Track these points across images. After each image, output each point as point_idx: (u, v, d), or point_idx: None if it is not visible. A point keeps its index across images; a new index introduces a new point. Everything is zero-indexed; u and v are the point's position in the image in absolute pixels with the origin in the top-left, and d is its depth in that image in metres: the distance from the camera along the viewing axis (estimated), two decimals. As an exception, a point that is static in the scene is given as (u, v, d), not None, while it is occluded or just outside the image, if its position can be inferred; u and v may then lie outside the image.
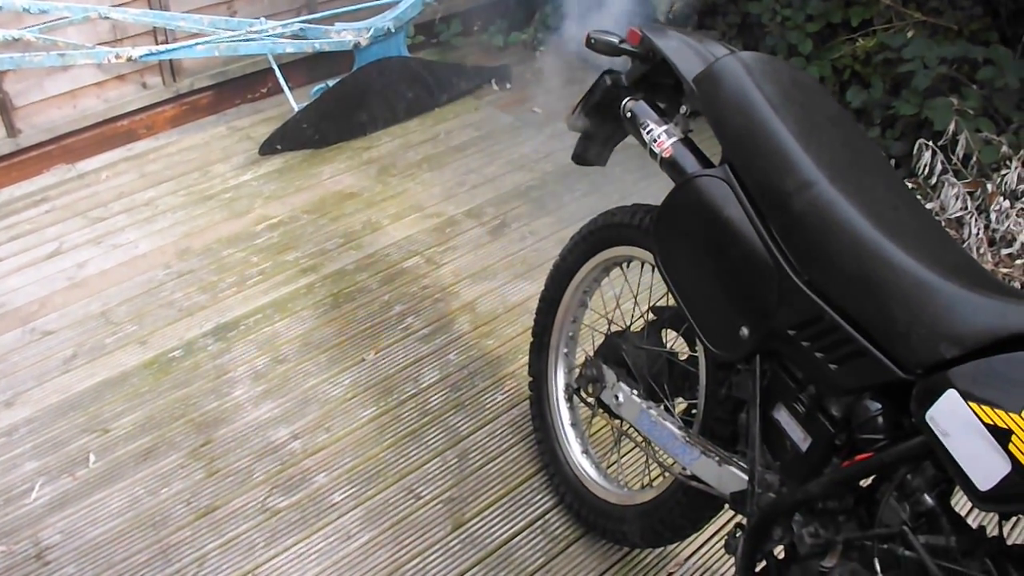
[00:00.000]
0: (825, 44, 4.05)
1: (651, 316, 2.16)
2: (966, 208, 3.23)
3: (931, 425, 1.18)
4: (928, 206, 3.28)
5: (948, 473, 1.20)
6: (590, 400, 2.24)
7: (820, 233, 1.41)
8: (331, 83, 4.45)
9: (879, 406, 1.35)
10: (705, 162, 1.77)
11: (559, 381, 2.46)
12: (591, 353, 2.28)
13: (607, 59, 2.00)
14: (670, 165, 1.81)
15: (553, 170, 4.08)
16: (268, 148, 4.29)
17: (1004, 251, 3.15)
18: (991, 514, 1.66)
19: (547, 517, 2.43)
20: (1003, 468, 1.10)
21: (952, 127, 3.34)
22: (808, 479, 1.49)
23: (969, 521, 1.33)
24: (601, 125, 2.12)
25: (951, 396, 1.16)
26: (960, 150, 3.34)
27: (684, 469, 1.87)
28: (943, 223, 3.22)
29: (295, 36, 4.31)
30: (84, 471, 2.61)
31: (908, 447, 1.27)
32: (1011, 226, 3.15)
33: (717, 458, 1.75)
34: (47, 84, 4.15)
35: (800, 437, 1.52)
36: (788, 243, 1.48)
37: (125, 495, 2.53)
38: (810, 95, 1.72)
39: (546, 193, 3.91)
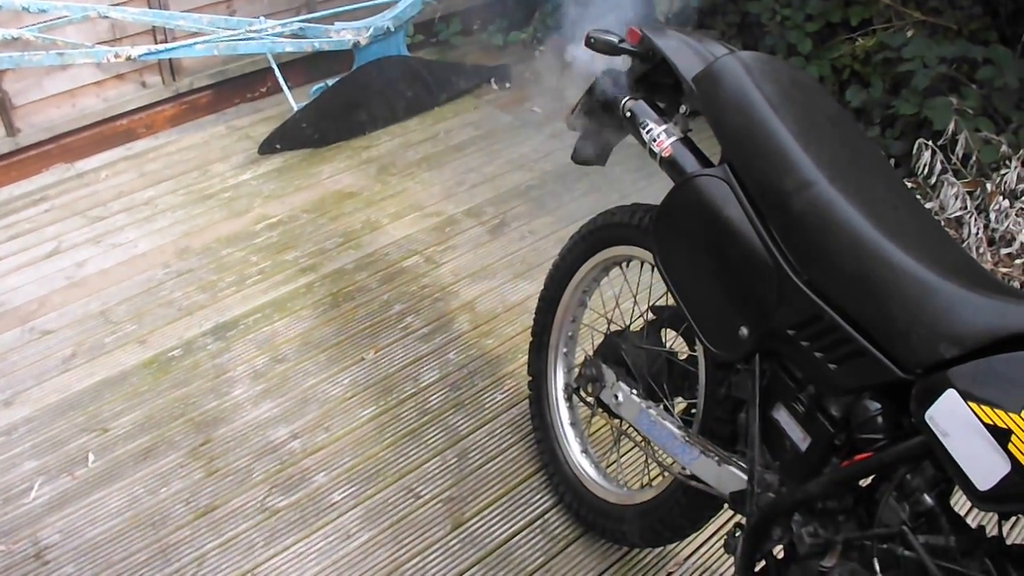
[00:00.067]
0: (824, 43, 4.05)
1: (650, 316, 2.16)
2: (965, 208, 3.23)
3: (931, 425, 1.18)
4: (927, 206, 3.28)
5: (948, 473, 1.20)
6: (589, 400, 2.24)
7: (820, 233, 1.41)
8: (330, 82, 4.44)
9: (878, 406, 1.35)
10: (705, 162, 1.77)
11: (558, 380, 2.46)
12: (590, 352, 2.28)
13: (606, 58, 2.00)
14: (669, 165, 1.80)
15: (552, 169, 4.07)
16: (267, 147, 4.28)
17: (1003, 251, 3.15)
18: (990, 514, 1.66)
19: (546, 516, 2.43)
20: (1003, 468, 1.10)
21: (952, 127, 3.34)
22: (807, 479, 1.49)
23: (969, 521, 1.33)
24: (600, 125, 2.11)
25: (951, 396, 1.16)
26: (960, 150, 3.34)
27: (683, 469, 1.87)
28: (942, 223, 3.22)
29: (294, 35, 4.31)
30: (83, 470, 2.61)
31: (908, 447, 1.27)
32: (1010, 226, 3.15)
33: (716, 458, 1.75)
34: (46, 83, 4.15)
35: (799, 437, 1.52)
36: (787, 243, 1.48)
37: (124, 494, 2.52)
38: (810, 95, 1.72)
39: (545, 192, 3.91)
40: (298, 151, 4.32)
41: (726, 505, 1.75)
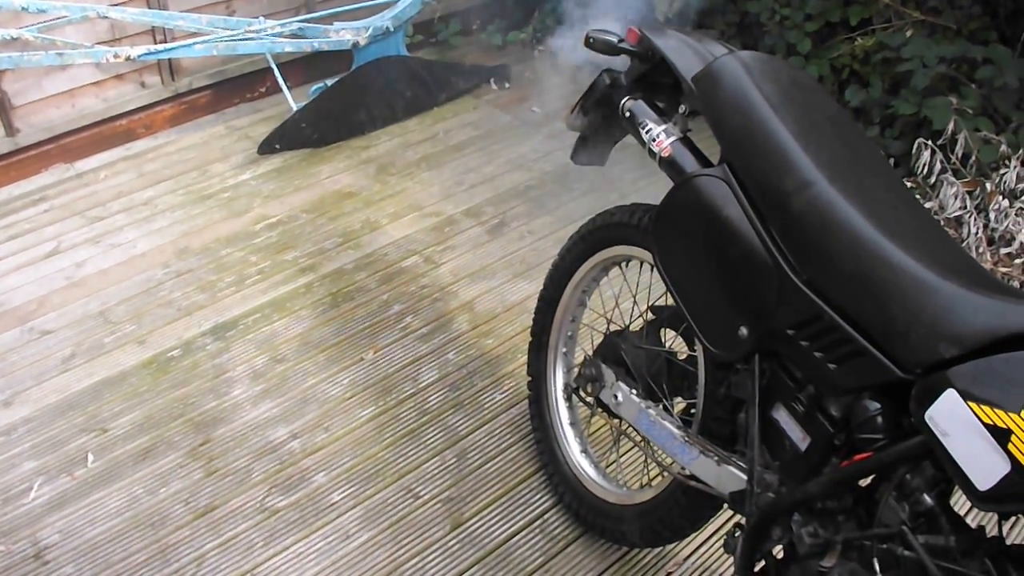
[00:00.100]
0: (824, 43, 4.05)
1: (650, 315, 2.16)
2: (965, 207, 3.23)
3: (930, 425, 1.18)
4: (927, 205, 3.28)
5: (947, 473, 1.20)
6: (589, 399, 2.24)
7: (819, 233, 1.41)
8: (330, 82, 4.44)
9: (878, 406, 1.36)
10: (704, 161, 1.77)
11: (558, 380, 2.46)
12: (590, 352, 2.28)
13: (605, 58, 2.00)
14: (669, 164, 1.81)
15: (552, 169, 4.07)
16: (267, 147, 4.28)
17: (1003, 250, 3.15)
18: (990, 514, 1.66)
19: (546, 516, 2.43)
20: (1002, 468, 1.10)
21: (951, 126, 3.34)
22: (807, 479, 1.49)
23: (968, 521, 1.33)
24: (600, 124, 2.12)
25: (950, 396, 1.16)
26: (959, 149, 3.34)
27: (683, 469, 1.87)
28: (942, 222, 3.22)
29: (294, 35, 4.31)
30: (83, 471, 2.61)
31: (907, 447, 1.27)
32: (1010, 225, 3.15)
33: (716, 458, 1.75)
34: (45, 83, 4.14)
35: (799, 437, 1.52)
36: (787, 243, 1.48)
37: (124, 495, 2.52)
38: (809, 94, 1.72)
39: (545, 192, 3.91)
40: (297, 151, 4.32)
41: (725, 505, 1.75)
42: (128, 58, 3.92)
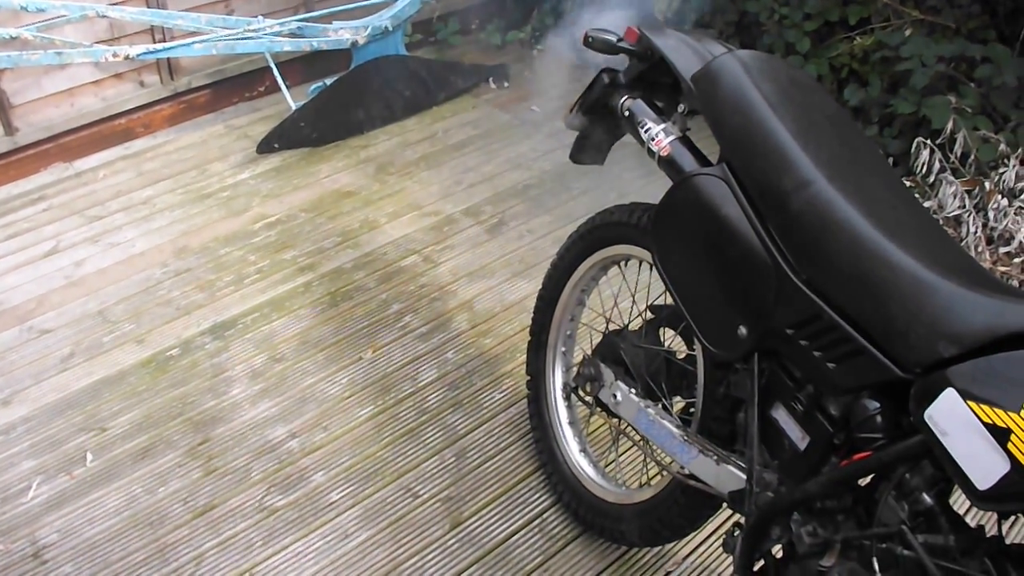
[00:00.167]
0: (823, 42, 4.05)
1: (649, 315, 2.16)
2: (964, 206, 3.23)
3: (930, 424, 1.18)
4: (926, 204, 3.28)
5: (947, 472, 1.20)
6: (588, 399, 2.24)
7: (818, 232, 1.41)
8: (329, 81, 4.44)
9: (877, 405, 1.35)
10: (703, 161, 1.77)
11: (557, 380, 2.46)
12: (589, 352, 2.28)
13: (604, 57, 2.00)
14: (668, 164, 1.80)
15: (551, 168, 4.07)
16: (266, 147, 4.28)
17: (1002, 249, 3.15)
18: (990, 513, 1.66)
19: (545, 516, 2.43)
20: (1002, 467, 1.10)
21: (950, 125, 3.34)
22: (806, 478, 1.49)
23: (968, 520, 1.33)
24: (599, 123, 2.12)
25: (950, 395, 1.16)
26: (958, 148, 3.34)
27: (682, 468, 1.87)
28: (941, 221, 3.22)
29: (293, 34, 4.30)
30: (81, 470, 2.60)
31: (907, 446, 1.27)
32: (1009, 224, 3.15)
33: (715, 457, 1.75)
34: (44, 82, 4.14)
35: (798, 436, 1.52)
36: (786, 242, 1.48)
37: (122, 494, 2.52)
38: (808, 94, 1.72)
39: (544, 192, 3.91)
40: (296, 150, 4.32)
41: (725, 504, 1.75)
42: (127, 57, 3.92)
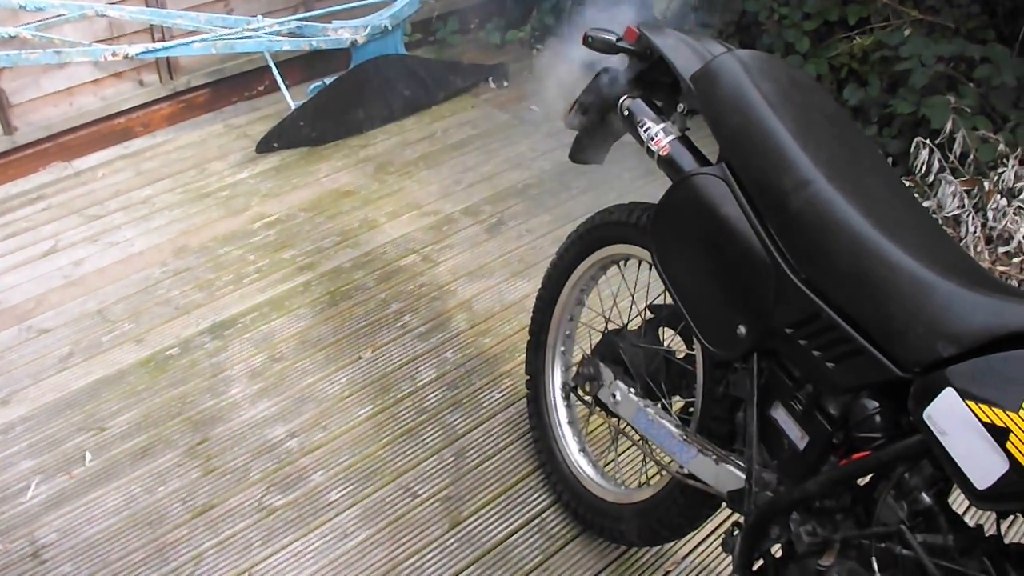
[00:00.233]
0: (822, 42, 4.05)
1: (648, 314, 2.16)
2: (963, 206, 3.23)
3: (929, 424, 1.18)
4: (925, 204, 3.28)
5: (946, 472, 1.20)
6: (587, 398, 2.24)
7: (817, 231, 1.41)
8: (328, 81, 4.44)
9: (877, 405, 1.35)
10: (702, 160, 1.77)
11: (556, 379, 2.45)
12: (588, 351, 2.28)
13: (604, 56, 2.00)
14: (667, 163, 1.80)
15: (550, 168, 4.07)
16: (265, 146, 4.28)
17: (1001, 249, 3.15)
18: (989, 513, 1.65)
19: (544, 515, 2.43)
20: (1001, 467, 1.10)
21: (949, 125, 3.34)
22: (806, 478, 1.49)
23: (967, 520, 1.33)
24: (598, 123, 2.11)
25: (949, 395, 1.16)
26: (957, 148, 3.34)
27: (681, 468, 1.87)
28: (940, 221, 3.22)
29: (292, 34, 4.30)
30: (80, 469, 2.60)
31: (906, 446, 1.27)
32: (1008, 224, 3.15)
33: (714, 456, 1.75)
34: (43, 82, 4.14)
35: (798, 436, 1.52)
36: (785, 241, 1.48)
37: (121, 493, 2.52)
38: (807, 93, 1.72)
39: (543, 191, 3.91)
40: (295, 150, 4.32)
41: (724, 504, 1.75)
42: (126, 56, 3.92)
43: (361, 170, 4.15)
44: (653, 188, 1.93)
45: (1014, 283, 3.04)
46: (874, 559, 1.35)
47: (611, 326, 2.27)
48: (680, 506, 1.94)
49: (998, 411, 1.10)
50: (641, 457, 2.32)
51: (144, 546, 2.36)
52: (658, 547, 2.31)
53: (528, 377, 2.52)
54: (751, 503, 1.60)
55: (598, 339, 2.26)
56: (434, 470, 2.57)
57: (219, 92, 4.75)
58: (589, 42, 1.97)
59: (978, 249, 3.15)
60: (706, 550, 2.32)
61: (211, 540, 2.37)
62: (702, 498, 1.86)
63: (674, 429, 1.89)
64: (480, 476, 2.55)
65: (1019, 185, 3.22)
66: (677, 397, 2.07)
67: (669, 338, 2.17)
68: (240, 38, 4.15)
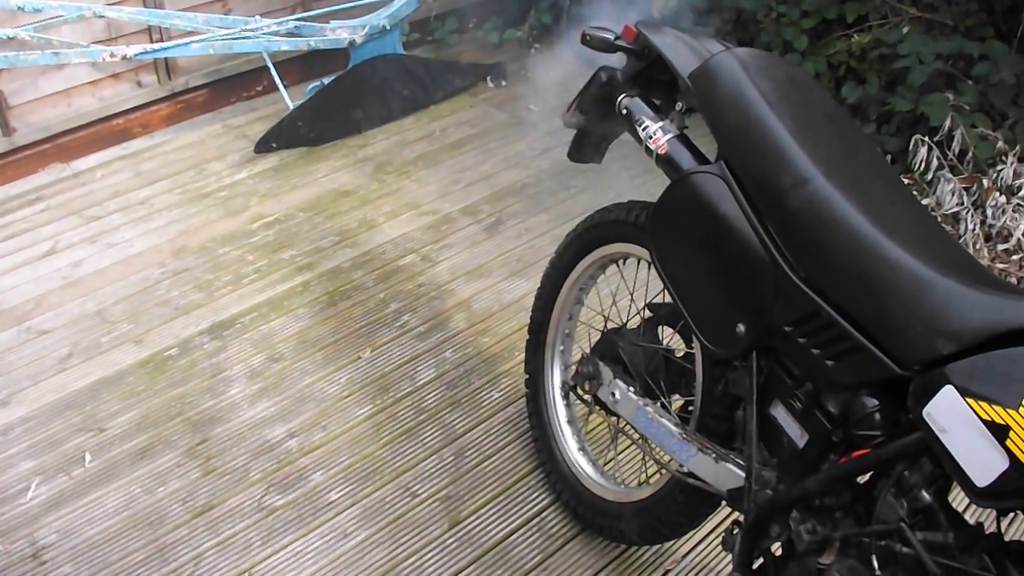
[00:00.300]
0: (820, 40, 4.05)
1: (647, 313, 2.16)
2: (962, 204, 3.23)
3: (928, 421, 1.18)
4: (924, 202, 3.28)
5: (946, 469, 1.20)
6: (586, 397, 2.23)
7: (816, 229, 1.41)
8: (326, 81, 4.43)
9: (876, 402, 1.35)
10: (701, 159, 1.77)
11: (555, 378, 2.45)
12: (587, 350, 2.28)
13: (602, 55, 1.99)
14: (666, 162, 1.80)
15: (549, 167, 4.07)
16: (263, 146, 4.28)
17: (1000, 247, 3.15)
18: (989, 510, 1.66)
19: (544, 515, 2.43)
20: (1001, 464, 1.10)
21: (948, 123, 3.34)
22: (805, 476, 1.49)
23: (967, 517, 1.33)
24: (597, 122, 2.12)
25: (948, 392, 1.15)
26: (956, 146, 3.34)
27: (681, 466, 1.87)
28: (939, 219, 3.22)
29: (290, 34, 4.30)
30: (80, 470, 2.60)
31: (905, 443, 1.27)
32: (1007, 222, 3.15)
33: (714, 455, 1.75)
34: (42, 83, 4.14)
35: (797, 434, 1.52)
36: (784, 239, 1.48)
37: (121, 494, 2.52)
38: (806, 91, 1.72)
39: (542, 190, 3.91)
40: (294, 150, 4.32)
41: (724, 502, 1.75)
42: (124, 57, 3.92)
43: (360, 170, 4.14)
44: (652, 187, 1.93)
45: (1013, 280, 3.04)
46: (874, 557, 1.35)
47: (610, 325, 2.26)
48: (680, 505, 1.94)
49: (998, 408, 1.10)
50: (641, 456, 2.32)
51: (144, 546, 2.36)
52: (658, 546, 2.31)
53: (527, 376, 2.52)
54: (751, 501, 1.60)
55: (597, 338, 2.26)
56: (433, 470, 2.57)
57: (217, 92, 4.74)
58: (587, 41, 1.97)
59: (977, 246, 3.15)
60: (706, 549, 2.32)
61: (211, 540, 2.37)
62: (702, 496, 1.86)
63: (673, 428, 1.89)
64: (479, 475, 2.55)
65: (1018, 182, 3.22)
66: (676, 396, 2.07)
67: (668, 337, 2.17)
68: (238, 38, 4.15)
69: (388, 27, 4.40)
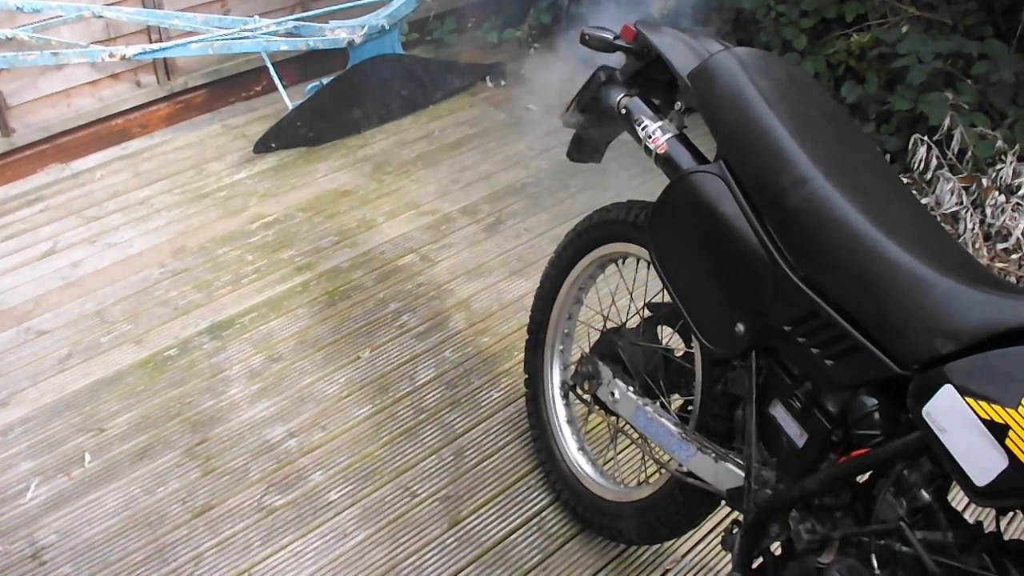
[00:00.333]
0: (819, 39, 4.05)
1: (647, 312, 2.16)
2: (961, 203, 3.24)
3: (928, 421, 1.18)
4: (923, 201, 3.28)
5: (945, 469, 1.20)
6: (586, 397, 2.24)
7: (816, 229, 1.41)
8: (325, 81, 4.43)
9: (875, 402, 1.35)
10: (700, 158, 1.77)
11: (555, 378, 2.45)
12: (587, 350, 2.28)
13: (602, 55, 1.99)
14: (665, 161, 1.80)
15: (548, 167, 4.07)
16: (263, 146, 4.28)
17: (1000, 246, 3.15)
18: (988, 509, 1.66)
19: (543, 514, 2.43)
20: (1000, 463, 1.10)
21: (947, 122, 3.34)
22: (805, 475, 1.49)
23: (966, 517, 1.33)
24: (596, 122, 2.11)
25: (948, 392, 1.15)
26: (955, 145, 3.34)
27: (680, 466, 1.87)
28: (938, 218, 3.22)
29: (289, 34, 4.30)
30: (80, 471, 2.60)
31: (905, 443, 1.27)
32: (1006, 221, 3.15)
33: (713, 454, 1.75)
34: (41, 83, 4.13)
35: (796, 433, 1.52)
36: (783, 239, 1.48)
37: (121, 494, 2.52)
38: (805, 91, 1.72)
39: (541, 190, 3.91)
40: (293, 150, 4.31)
41: (723, 502, 1.75)
42: (123, 57, 3.91)
43: (359, 170, 4.14)
44: (651, 186, 1.93)
45: (1012, 279, 3.04)
46: (873, 556, 1.35)
47: (610, 324, 2.26)
48: (679, 504, 1.95)
49: (997, 408, 1.10)
50: (640, 455, 2.32)
51: (144, 547, 2.36)
52: (657, 545, 2.31)
53: (527, 376, 2.52)
54: (750, 501, 1.60)
55: (597, 337, 2.26)
56: (433, 469, 2.57)
57: (216, 93, 4.74)
58: (586, 40, 1.97)
59: (976, 246, 3.15)
60: (705, 548, 2.32)
61: (211, 540, 2.37)
62: (701, 496, 1.86)
63: (673, 427, 1.89)
64: (479, 475, 2.55)
65: (1017, 181, 3.22)
66: (676, 395, 2.07)
67: (668, 336, 2.17)
68: (237, 38, 4.15)
69: (387, 27, 4.40)
